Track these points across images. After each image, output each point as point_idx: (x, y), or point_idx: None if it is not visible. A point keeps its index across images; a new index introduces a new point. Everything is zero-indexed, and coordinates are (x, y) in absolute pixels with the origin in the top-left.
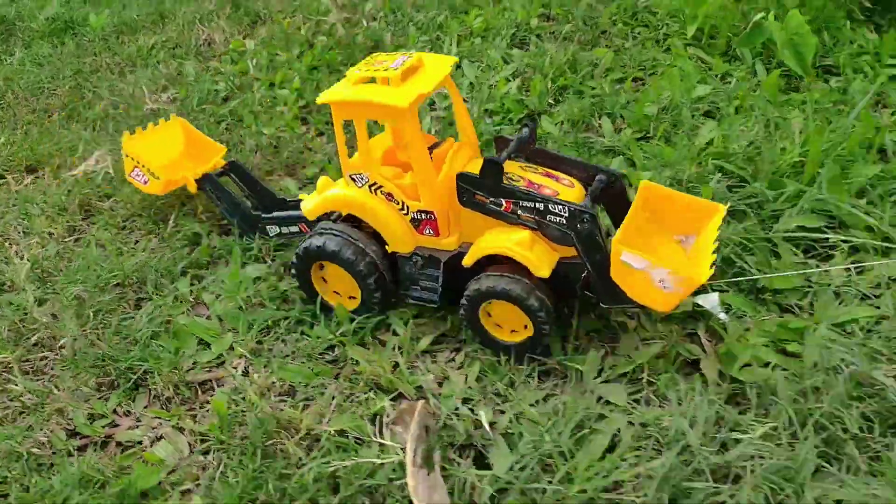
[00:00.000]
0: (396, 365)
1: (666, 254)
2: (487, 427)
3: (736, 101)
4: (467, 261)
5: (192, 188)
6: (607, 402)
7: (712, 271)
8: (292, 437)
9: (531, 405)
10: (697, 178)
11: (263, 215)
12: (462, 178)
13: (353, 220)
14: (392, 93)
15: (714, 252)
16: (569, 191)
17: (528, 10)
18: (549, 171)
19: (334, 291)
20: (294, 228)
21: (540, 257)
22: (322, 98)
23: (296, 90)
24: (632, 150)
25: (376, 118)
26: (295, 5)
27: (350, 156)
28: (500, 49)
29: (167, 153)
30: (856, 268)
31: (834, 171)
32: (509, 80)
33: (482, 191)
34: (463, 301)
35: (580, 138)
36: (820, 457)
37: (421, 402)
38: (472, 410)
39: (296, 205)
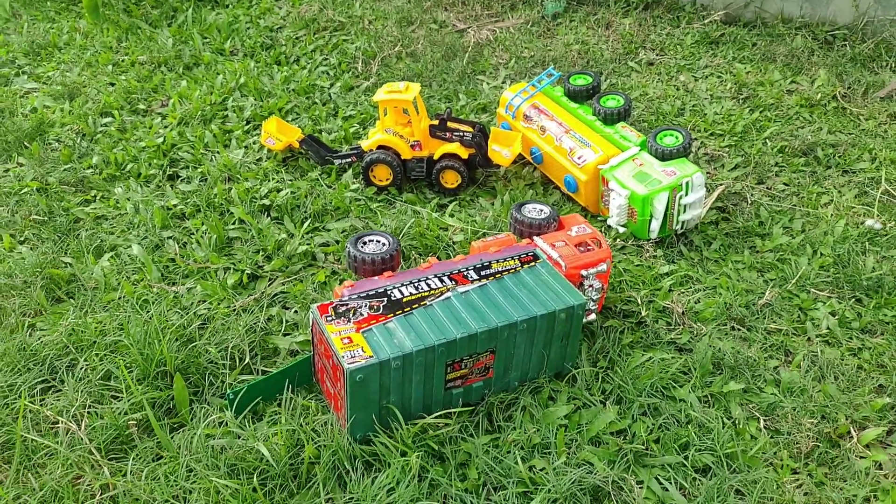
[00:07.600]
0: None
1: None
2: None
3: None
4: (436, 156)
5: (297, 146)
6: None
7: (519, 149)
8: None
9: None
10: None
11: (333, 156)
12: (430, 127)
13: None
14: (406, 95)
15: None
16: (470, 130)
17: None
18: (461, 122)
19: (378, 179)
20: (349, 160)
21: (463, 152)
22: (376, 99)
23: None
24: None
25: (400, 105)
26: None
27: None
28: None
29: (277, 130)
30: None
31: None
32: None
33: (440, 131)
34: (433, 173)
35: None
36: None
37: None
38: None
39: (337, 151)
